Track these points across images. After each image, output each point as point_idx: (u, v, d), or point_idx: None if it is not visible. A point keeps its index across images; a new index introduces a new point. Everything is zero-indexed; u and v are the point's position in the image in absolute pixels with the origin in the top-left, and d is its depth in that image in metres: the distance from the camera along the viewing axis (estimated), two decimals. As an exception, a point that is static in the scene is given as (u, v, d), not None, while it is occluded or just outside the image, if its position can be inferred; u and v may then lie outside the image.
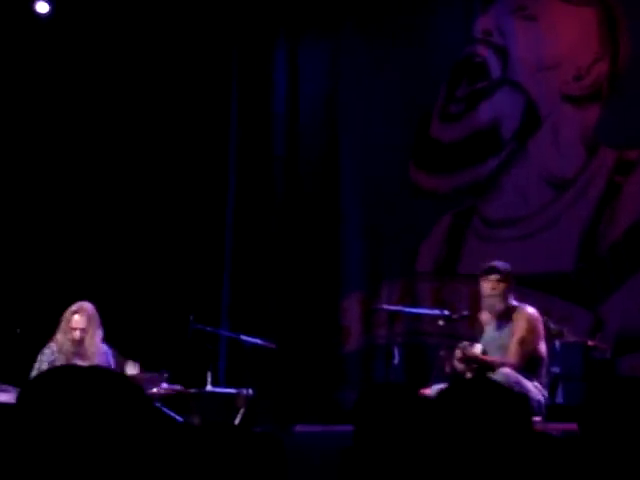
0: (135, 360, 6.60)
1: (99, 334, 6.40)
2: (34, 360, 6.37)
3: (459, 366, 6.02)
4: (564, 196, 7.81)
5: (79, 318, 6.35)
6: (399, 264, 8.39)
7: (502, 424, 2.11)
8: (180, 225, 8.79)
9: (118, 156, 8.82)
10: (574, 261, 7.68)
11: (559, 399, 6.41)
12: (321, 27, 8.98)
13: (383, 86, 8.60)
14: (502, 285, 6.10)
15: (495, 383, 2.69)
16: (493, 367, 5.90)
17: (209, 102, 8.92)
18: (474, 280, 6.49)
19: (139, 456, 1.71)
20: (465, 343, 6.06)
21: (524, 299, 6.31)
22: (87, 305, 6.42)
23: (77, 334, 6.32)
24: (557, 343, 6.61)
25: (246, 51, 9.11)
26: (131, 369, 6.55)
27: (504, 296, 6.12)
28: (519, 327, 6.06)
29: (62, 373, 1.78)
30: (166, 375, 6.53)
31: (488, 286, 6.14)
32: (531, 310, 6.15)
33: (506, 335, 6.11)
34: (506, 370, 5.83)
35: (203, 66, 8.89)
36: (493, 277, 6.11)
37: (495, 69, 8.21)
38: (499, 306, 6.14)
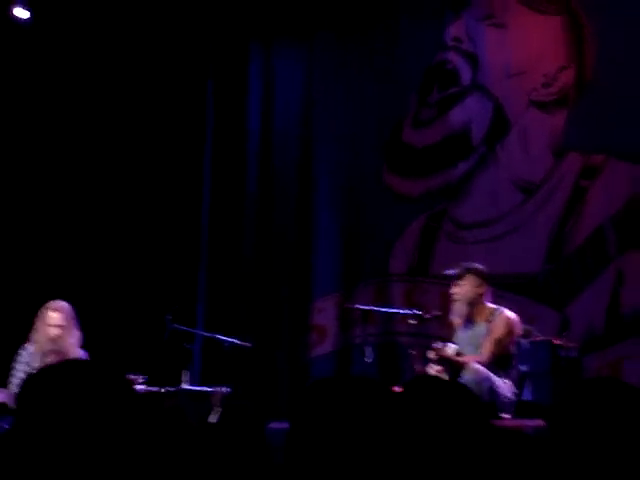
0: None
1: (76, 335, 6.23)
2: (9, 361, 6.21)
3: (432, 367, 6.04)
4: (532, 199, 7.90)
5: (56, 315, 6.16)
6: (374, 266, 8.46)
7: (452, 420, 2.11)
8: (156, 226, 8.83)
9: (92, 158, 8.86)
10: (542, 263, 7.79)
11: (527, 396, 6.51)
12: (294, 36, 9.06)
13: (357, 92, 8.70)
14: (465, 289, 6.18)
15: (446, 381, 2.67)
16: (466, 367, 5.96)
17: (185, 108, 9.01)
18: (445, 281, 6.58)
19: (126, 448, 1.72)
20: (439, 344, 6.10)
21: (495, 300, 6.39)
22: (64, 303, 6.26)
23: (53, 331, 6.13)
24: (525, 342, 6.71)
25: (221, 62, 9.19)
26: None
27: (467, 299, 6.19)
28: (497, 328, 6.11)
29: (54, 372, 1.79)
30: (142, 380, 6.43)
31: (453, 290, 6.25)
32: (511, 314, 6.20)
33: (479, 334, 6.15)
34: (476, 366, 5.88)
35: (179, 75, 8.98)
36: (457, 281, 6.21)
37: (465, 75, 8.31)
38: (465, 309, 6.20)
